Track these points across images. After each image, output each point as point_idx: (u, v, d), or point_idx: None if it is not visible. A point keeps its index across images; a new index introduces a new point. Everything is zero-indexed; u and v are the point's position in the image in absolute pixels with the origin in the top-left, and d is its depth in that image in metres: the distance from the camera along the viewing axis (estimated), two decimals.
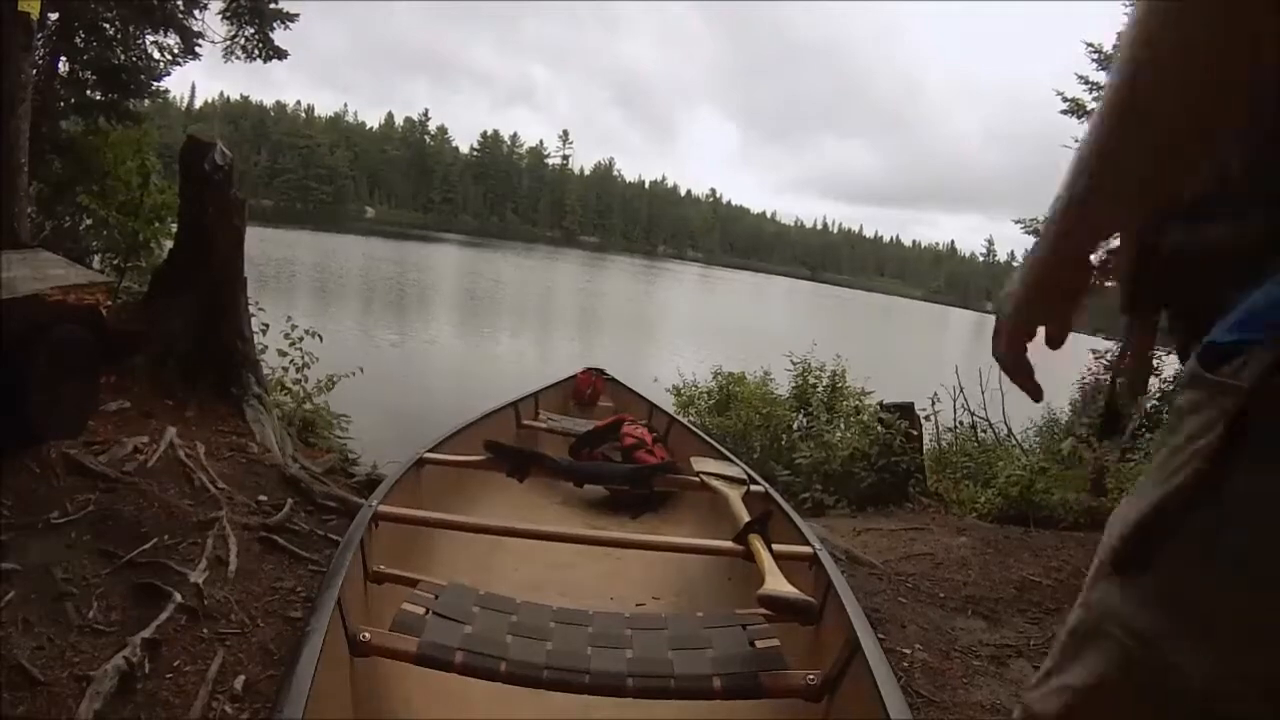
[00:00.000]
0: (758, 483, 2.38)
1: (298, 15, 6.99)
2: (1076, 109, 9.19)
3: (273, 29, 6.94)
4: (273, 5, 6.90)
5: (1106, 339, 9.78)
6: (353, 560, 1.55)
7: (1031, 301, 0.64)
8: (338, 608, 1.33)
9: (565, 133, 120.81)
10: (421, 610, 1.46)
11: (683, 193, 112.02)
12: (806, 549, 1.79)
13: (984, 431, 6.85)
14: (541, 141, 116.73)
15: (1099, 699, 0.56)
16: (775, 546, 1.71)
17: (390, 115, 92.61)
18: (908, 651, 2.34)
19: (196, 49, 6.48)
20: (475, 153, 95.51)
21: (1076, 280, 0.62)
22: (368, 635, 1.36)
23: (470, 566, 2.10)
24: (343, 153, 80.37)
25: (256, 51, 6.97)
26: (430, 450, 2.36)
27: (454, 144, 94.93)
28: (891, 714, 1.16)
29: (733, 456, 2.76)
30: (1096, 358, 9.56)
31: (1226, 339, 0.52)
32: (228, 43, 6.83)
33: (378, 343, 12.26)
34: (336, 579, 1.42)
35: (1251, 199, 0.54)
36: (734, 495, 2.21)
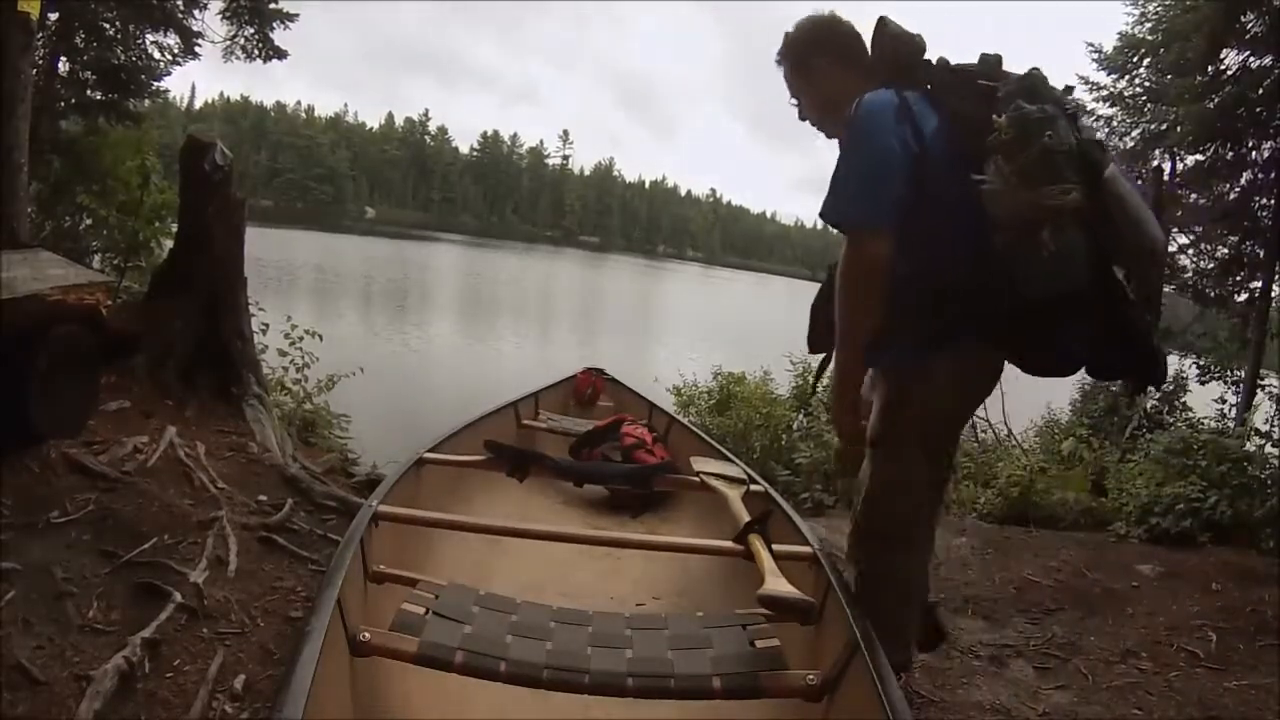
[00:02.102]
0: (758, 483, 2.37)
1: (297, 15, 7.00)
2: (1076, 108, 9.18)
3: (272, 29, 6.94)
4: (272, 5, 6.90)
5: None
6: (353, 560, 1.54)
7: (836, 413, 1.72)
8: (338, 608, 1.33)
9: (565, 132, 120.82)
10: (421, 610, 1.46)
11: (683, 193, 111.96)
12: (806, 549, 1.79)
13: (984, 431, 6.84)
14: (541, 141, 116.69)
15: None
16: (775, 546, 1.71)
17: (390, 115, 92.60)
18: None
19: (196, 49, 6.49)
20: (475, 153, 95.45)
21: (851, 403, 1.66)
22: (368, 635, 1.36)
23: (470, 566, 2.10)
24: (343, 153, 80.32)
25: (256, 51, 6.97)
26: (430, 450, 2.35)
27: (454, 144, 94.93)
28: (891, 714, 1.15)
29: (733, 456, 2.75)
30: None
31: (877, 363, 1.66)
32: (228, 43, 6.84)
33: (378, 343, 12.26)
34: (336, 579, 1.42)
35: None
36: (734, 495, 2.21)
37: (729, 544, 1.78)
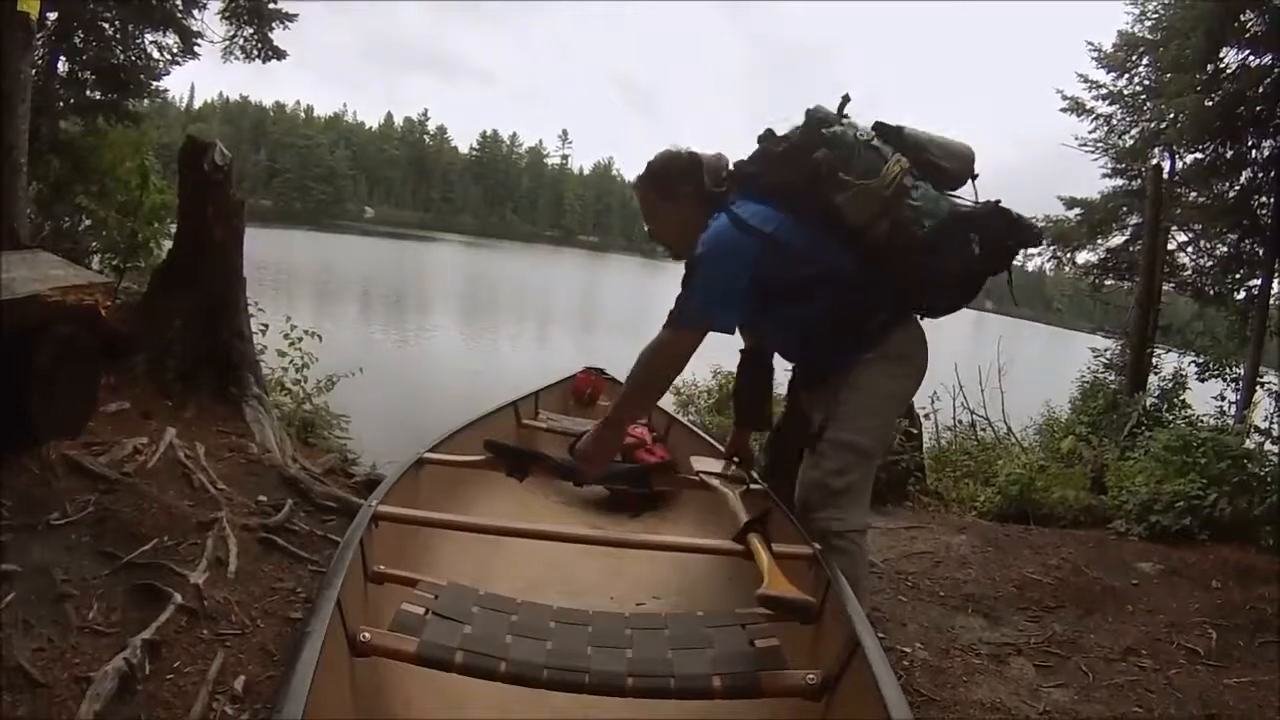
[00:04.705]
0: (757, 482, 2.37)
1: (297, 15, 7.00)
2: (1076, 107, 9.19)
3: (271, 29, 6.94)
4: (272, 5, 6.90)
5: (1106, 337, 9.83)
6: (352, 560, 1.54)
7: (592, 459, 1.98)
8: (337, 608, 1.33)
9: (565, 132, 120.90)
10: (421, 610, 1.46)
11: None
12: (806, 548, 1.79)
13: (984, 430, 6.85)
14: (541, 141, 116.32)
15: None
16: (775, 546, 1.71)
17: (390, 115, 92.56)
18: (908, 650, 2.34)
19: (196, 49, 6.49)
20: (475, 152, 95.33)
21: (610, 455, 2.05)
22: (367, 635, 1.36)
23: (470, 566, 2.10)
24: (342, 152, 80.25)
25: (255, 51, 6.97)
26: (430, 450, 2.35)
27: (453, 144, 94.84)
28: (892, 713, 1.15)
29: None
30: (1096, 355, 9.60)
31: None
32: (227, 43, 6.84)
33: (378, 343, 12.25)
34: (336, 579, 1.42)
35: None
36: (733, 494, 2.20)
37: (729, 544, 1.78)
